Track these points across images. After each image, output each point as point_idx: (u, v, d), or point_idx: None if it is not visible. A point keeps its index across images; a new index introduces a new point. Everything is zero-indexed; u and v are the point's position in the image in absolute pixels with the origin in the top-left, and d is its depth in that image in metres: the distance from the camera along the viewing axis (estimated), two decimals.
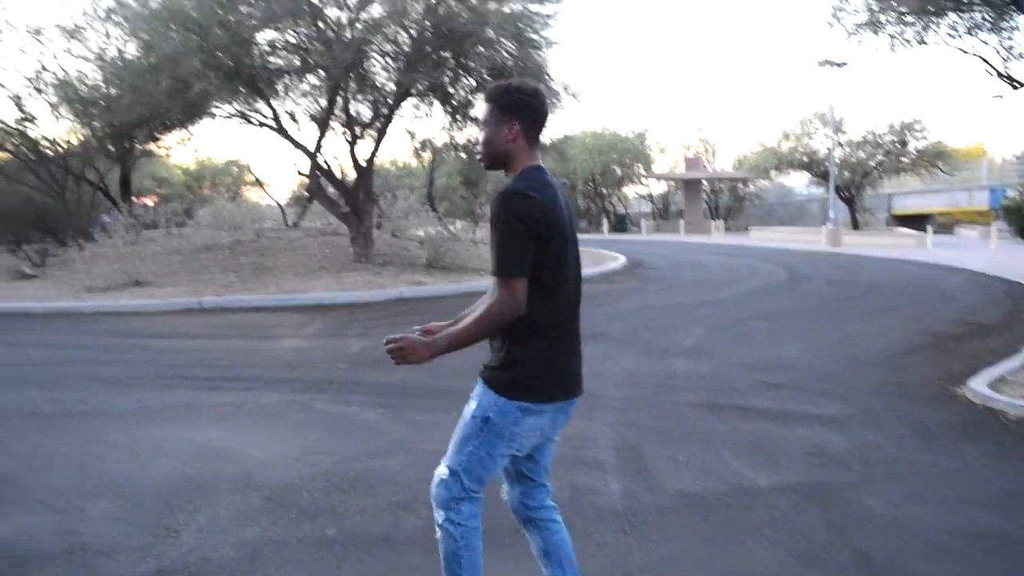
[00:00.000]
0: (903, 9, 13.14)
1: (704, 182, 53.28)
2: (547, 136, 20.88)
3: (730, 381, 7.20)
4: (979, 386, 6.62)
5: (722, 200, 55.75)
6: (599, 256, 23.63)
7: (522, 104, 2.60)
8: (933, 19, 13.58)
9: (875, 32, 13.87)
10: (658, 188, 57.47)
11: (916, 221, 41.97)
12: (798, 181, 51.66)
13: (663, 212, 56.84)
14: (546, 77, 18.35)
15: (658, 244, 34.14)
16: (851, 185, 41.12)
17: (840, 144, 39.23)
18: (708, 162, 55.64)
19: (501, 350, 2.59)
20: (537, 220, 2.46)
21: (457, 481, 2.61)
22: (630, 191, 57.85)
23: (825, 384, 7.11)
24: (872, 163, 40.34)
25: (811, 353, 8.61)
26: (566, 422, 2.78)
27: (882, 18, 13.58)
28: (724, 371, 7.64)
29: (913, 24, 13.73)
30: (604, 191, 53.21)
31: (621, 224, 52.65)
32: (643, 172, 52.48)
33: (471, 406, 2.62)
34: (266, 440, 5.54)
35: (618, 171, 51.41)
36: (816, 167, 41.04)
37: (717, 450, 5.17)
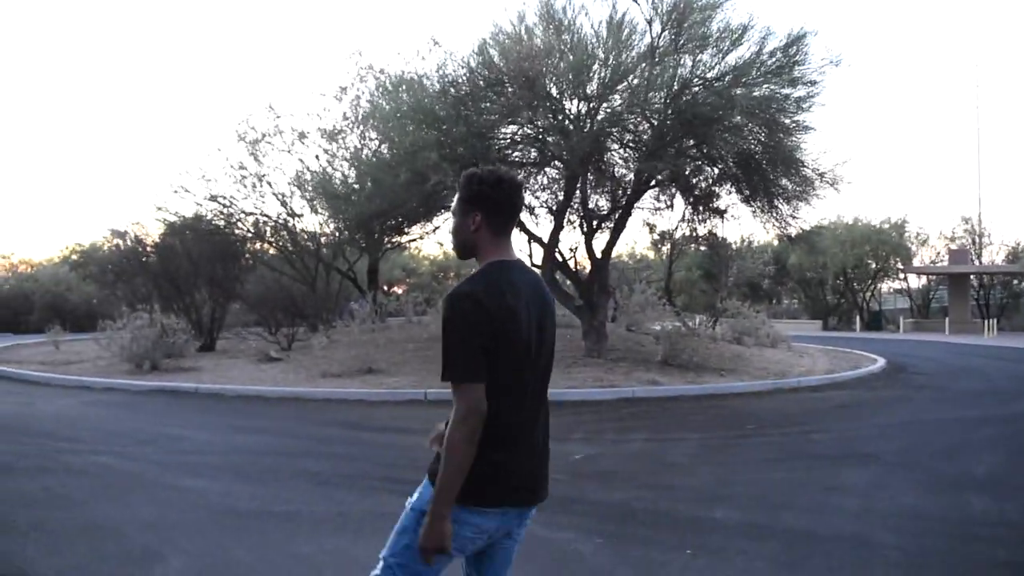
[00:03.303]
0: None
1: (972, 277, 48.52)
2: (796, 227, 19.40)
3: None
4: None
5: (994, 296, 50.35)
6: (854, 358, 21.39)
7: (482, 195, 2.49)
8: None
9: None
10: (916, 283, 53.05)
11: None
12: None
13: (923, 309, 52.25)
14: (798, 164, 17.02)
15: (920, 345, 30.78)
16: None
17: None
18: (976, 255, 50.75)
19: None
20: (483, 325, 2.33)
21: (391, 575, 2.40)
22: (884, 286, 53.83)
23: None
24: None
25: None
26: (521, 527, 2.61)
27: None
28: None
29: None
30: (856, 286, 49.69)
31: (875, 321, 48.83)
32: (901, 266, 48.55)
33: (413, 497, 2.50)
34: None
35: (872, 265, 48.00)
36: None
37: None
